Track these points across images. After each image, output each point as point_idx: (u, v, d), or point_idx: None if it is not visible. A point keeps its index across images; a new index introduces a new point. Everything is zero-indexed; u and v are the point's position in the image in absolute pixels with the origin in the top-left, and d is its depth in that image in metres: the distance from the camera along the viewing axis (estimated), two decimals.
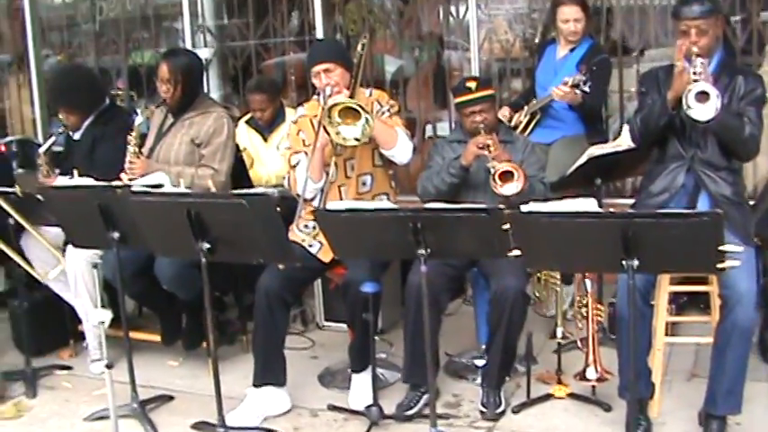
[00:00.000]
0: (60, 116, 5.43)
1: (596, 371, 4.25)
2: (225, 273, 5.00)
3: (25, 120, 8.60)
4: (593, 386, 4.35)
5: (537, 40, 6.50)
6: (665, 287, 4.17)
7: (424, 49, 7.38)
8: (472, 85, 4.63)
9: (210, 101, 5.38)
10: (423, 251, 3.59)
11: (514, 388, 4.59)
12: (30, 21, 8.08)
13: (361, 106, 4.24)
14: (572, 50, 5.53)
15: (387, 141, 4.49)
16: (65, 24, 8.45)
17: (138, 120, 5.06)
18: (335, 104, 4.25)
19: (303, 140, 4.68)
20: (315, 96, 4.77)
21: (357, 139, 4.28)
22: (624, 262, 3.28)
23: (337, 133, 4.27)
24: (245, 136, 6.01)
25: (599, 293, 4.79)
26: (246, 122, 6.08)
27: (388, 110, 4.64)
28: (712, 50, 3.97)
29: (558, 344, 4.60)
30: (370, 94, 4.70)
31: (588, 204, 3.35)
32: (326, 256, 4.46)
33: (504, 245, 3.61)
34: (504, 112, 5.63)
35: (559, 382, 4.50)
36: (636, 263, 3.28)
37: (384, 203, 3.82)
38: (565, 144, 5.49)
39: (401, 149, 4.52)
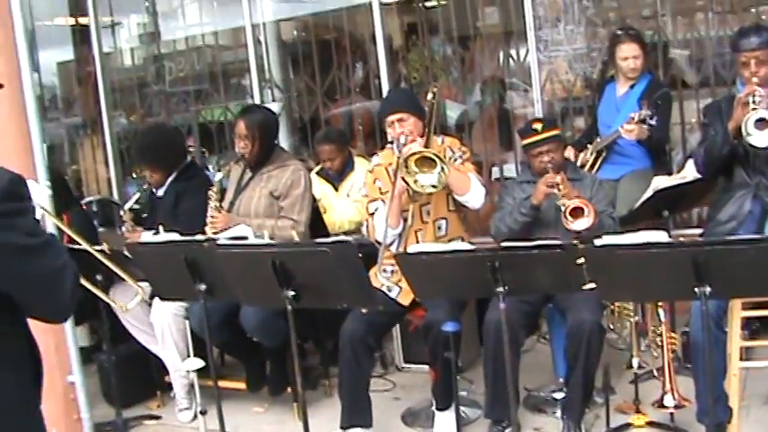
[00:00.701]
0: (145, 174, 5.66)
1: (674, 398, 4.33)
2: (306, 320, 5.16)
3: (100, 180, 8.90)
4: (672, 414, 4.42)
5: (595, 76, 6.63)
6: (738, 312, 4.22)
7: (486, 93, 7.52)
8: (538, 126, 4.75)
9: (287, 154, 5.57)
10: (501, 288, 3.69)
11: (594, 419, 4.67)
12: (102, 84, 8.33)
13: (436, 155, 4.38)
14: (632, 87, 5.64)
15: (461, 187, 4.61)
16: (135, 86, 8.75)
17: (218, 175, 5.27)
18: (412, 154, 4.40)
19: (379, 188, 4.83)
20: (389, 145, 4.90)
21: (434, 187, 4.42)
22: (697, 289, 3.34)
23: (415, 181, 4.41)
24: (317, 186, 6.18)
25: (672, 323, 4.87)
26: (317, 173, 6.25)
27: (461, 156, 4.76)
28: None
29: (635, 374, 4.68)
30: (443, 142, 4.83)
31: (659, 236, 3.45)
32: (406, 299, 4.61)
33: (579, 279, 3.74)
34: (567, 153, 5.72)
35: (638, 412, 4.57)
36: (708, 289, 3.34)
37: (462, 244, 3.95)
38: (632, 178, 5.58)
39: (474, 195, 4.63)
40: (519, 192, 4.88)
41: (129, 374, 5.59)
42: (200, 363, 4.21)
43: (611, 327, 5.34)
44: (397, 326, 5.60)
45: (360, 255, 3.88)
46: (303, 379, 5.28)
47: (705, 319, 3.47)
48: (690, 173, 4.79)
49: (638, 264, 3.42)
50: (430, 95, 4.66)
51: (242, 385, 5.42)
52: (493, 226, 4.84)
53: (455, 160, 4.73)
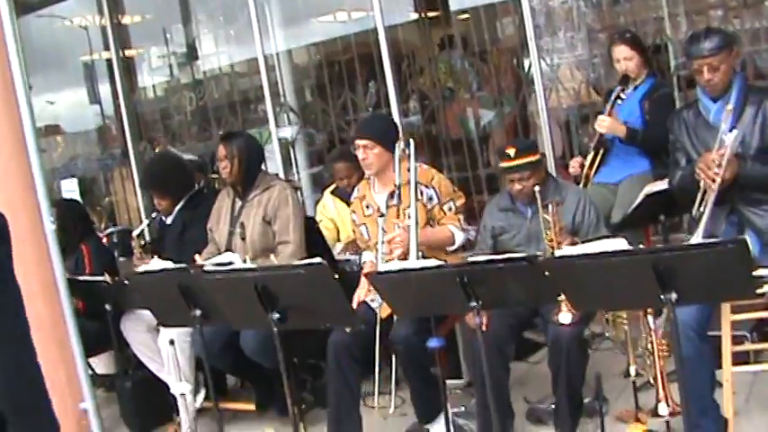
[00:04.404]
0: (154, 201, 5.80)
1: (668, 405, 4.28)
2: (318, 339, 5.21)
3: (131, 210, 9.09)
4: (668, 422, 4.38)
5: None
6: (728, 316, 4.18)
7: (504, 104, 7.53)
8: (511, 151, 4.58)
9: (270, 176, 5.60)
10: (474, 303, 3.70)
11: (593, 429, 4.65)
12: (126, 116, 8.57)
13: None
14: (635, 88, 5.61)
15: (441, 245, 4.69)
16: (159, 117, 8.96)
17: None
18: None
19: (354, 221, 5.02)
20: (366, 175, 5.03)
21: None
22: (662, 296, 3.32)
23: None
24: (332, 206, 6.23)
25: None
26: (332, 193, 6.31)
27: (453, 204, 4.80)
28: (728, 85, 4.04)
29: (633, 382, 4.65)
30: (432, 179, 4.82)
31: (617, 243, 3.44)
32: (384, 311, 4.60)
33: (552, 290, 3.74)
34: (573, 164, 5.71)
35: (637, 420, 4.54)
36: (674, 296, 3.31)
37: (430, 261, 3.98)
38: (632, 183, 5.48)
39: (454, 247, 4.73)
40: (496, 220, 4.82)
41: (148, 399, 5.69)
42: (188, 387, 4.29)
43: (607, 334, 5.32)
44: None
45: (337, 275, 3.95)
46: (315, 397, 5.44)
47: (675, 327, 3.45)
48: None
49: (599, 273, 3.42)
50: (398, 151, 4.67)
51: (251, 407, 5.49)
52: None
53: (437, 206, 4.77)
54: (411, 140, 4.69)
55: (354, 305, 4.62)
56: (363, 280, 4.76)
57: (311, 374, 5.67)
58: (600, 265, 3.38)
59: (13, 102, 4.78)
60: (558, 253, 3.47)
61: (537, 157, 4.68)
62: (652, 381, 4.73)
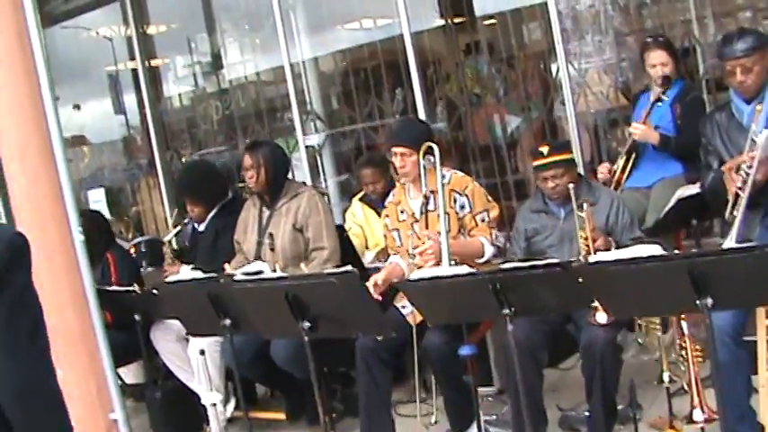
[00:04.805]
0: (187, 209, 5.80)
1: (703, 412, 4.23)
2: (347, 347, 5.19)
3: (159, 220, 9.11)
4: (702, 428, 4.32)
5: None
6: (763, 321, 4.12)
7: (532, 109, 7.49)
8: (544, 149, 4.60)
9: (297, 184, 5.61)
10: (507, 310, 3.68)
11: None
12: (152, 126, 8.61)
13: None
14: (664, 93, 5.56)
15: (470, 257, 4.62)
16: (185, 127, 8.98)
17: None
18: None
19: (386, 225, 4.98)
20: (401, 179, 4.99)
21: None
22: (698, 302, 3.28)
23: None
24: (360, 212, 6.21)
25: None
26: (360, 199, 6.29)
27: (485, 216, 4.76)
28: (762, 86, 3.99)
29: (667, 388, 4.60)
30: (465, 188, 4.78)
31: (652, 249, 3.40)
32: (415, 318, 4.60)
33: (587, 297, 3.70)
34: (602, 169, 5.67)
35: (671, 427, 4.48)
36: (710, 301, 3.28)
37: (462, 268, 3.95)
38: (664, 186, 5.41)
39: (483, 260, 4.67)
40: (528, 222, 4.79)
41: (178, 409, 5.67)
42: (219, 396, 4.27)
43: (640, 342, 5.27)
44: None
45: None
46: (346, 406, 5.41)
47: (711, 332, 3.40)
48: None
49: (634, 279, 3.38)
50: (422, 161, 4.65)
51: (282, 416, 5.47)
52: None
53: (466, 215, 4.75)
54: (436, 147, 4.63)
55: (371, 287, 4.52)
56: (382, 273, 4.74)
57: (341, 383, 5.64)
58: (634, 270, 3.34)
59: (40, 112, 4.78)
60: (591, 259, 3.42)
61: (570, 155, 4.70)
62: (686, 387, 4.69)
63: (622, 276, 3.38)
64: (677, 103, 5.43)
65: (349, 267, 3.85)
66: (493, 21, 7.43)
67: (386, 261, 5.60)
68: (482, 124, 7.56)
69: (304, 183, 6.09)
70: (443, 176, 4.68)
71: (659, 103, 5.39)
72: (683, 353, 4.40)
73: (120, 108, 9.77)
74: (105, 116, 9.86)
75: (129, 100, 9.58)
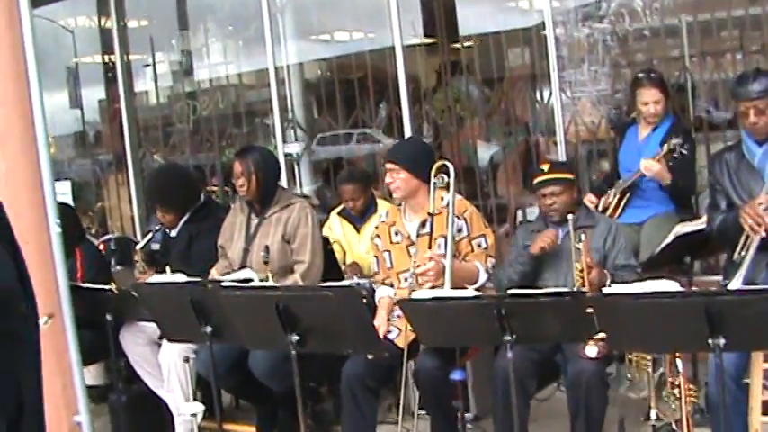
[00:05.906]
0: (158, 214, 5.62)
1: None
2: (320, 364, 5.06)
3: (124, 218, 8.90)
4: None
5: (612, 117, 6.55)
6: (759, 364, 4.08)
7: (512, 135, 7.42)
8: (545, 167, 4.66)
9: (289, 193, 5.48)
10: (508, 337, 3.59)
11: None
12: (127, 122, 8.41)
13: None
14: (654, 130, 5.50)
15: (464, 282, 4.51)
16: (161, 124, 8.79)
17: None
18: None
19: (377, 246, 4.87)
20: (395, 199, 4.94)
21: None
22: (711, 341, 3.23)
23: None
24: (338, 227, 6.09)
25: (694, 373, 4.72)
26: (339, 214, 6.17)
27: (484, 241, 4.68)
28: None
29: (653, 426, 4.52)
30: (465, 211, 4.70)
31: (670, 285, 3.33)
32: (403, 342, 4.49)
33: (590, 328, 3.61)
34: (589, 198, 5.62)
35: None
36: (722, 341, 3.22)
37: (468, 291, 3.85)
38: (657, 223, 5.40)
39: (478, 284, 4.58)
40: (528, 240, 4.72)
41: (141, 415, 5.48)
42: (200, 407, 4.12)
43: (629, 377, 5.20)
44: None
45: (365, 300, 3.82)
46: (315, 423, 5.26)
47: (720, 372, 3.34)
48: None
49: (648, 313, 3.32)
50: (434, 179, 4.55)
51: (252, 429, 5.31)
52: (496, 278, 4.70)
53: (464, 239, 4.65)
54: (451, 168, 4.54)
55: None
56: (381, 313, 4.66)
57: (311, 399, 5.49)
58: (650, 304, 3.28)
59: (25, 97, 4.63)
60: (606, 290, 3.33)
61: (570, 175, 4.69)
62: (674, 425, 4.63)
63: (637, 309, 3.32)
64: (667, 141, 5.36)
65: (347, 282, 3.72)
66: (474, 42, 7.37)
67: (360, 276, 5.52)
68: (460, 147, 7.49)
69: (296, 193, 5.93)
70: (444, 199, 4.60)
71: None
72: (676, 391, 4.33)
73: (76, 102, 9.54)
74: (62, 109, 9.59)
75: (88, 94, 9.39)
